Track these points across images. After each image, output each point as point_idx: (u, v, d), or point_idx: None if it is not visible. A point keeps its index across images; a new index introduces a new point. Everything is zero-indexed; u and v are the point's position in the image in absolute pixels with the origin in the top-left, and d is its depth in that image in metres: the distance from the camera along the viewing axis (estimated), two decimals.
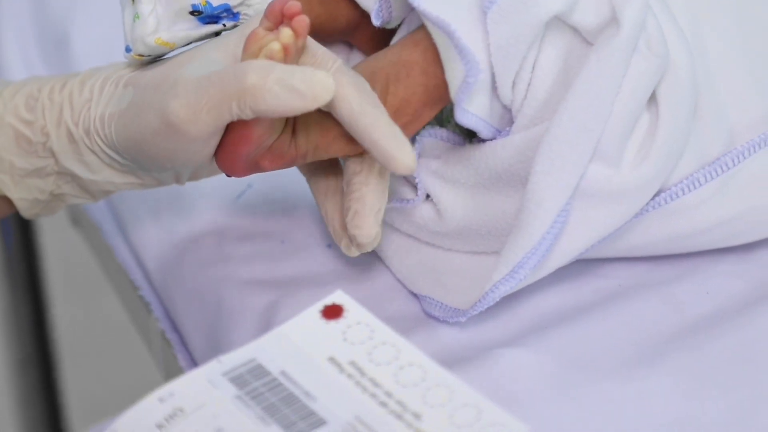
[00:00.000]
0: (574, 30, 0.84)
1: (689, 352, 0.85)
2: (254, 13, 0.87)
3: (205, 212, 1.00)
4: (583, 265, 0.91)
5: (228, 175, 0.86)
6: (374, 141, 0.81)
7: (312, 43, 0.84)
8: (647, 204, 0.86)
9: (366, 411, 0.75)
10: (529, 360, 0.85)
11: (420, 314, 0.91)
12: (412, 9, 0.87)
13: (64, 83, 0.89)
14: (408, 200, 0.90)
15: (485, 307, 0.85)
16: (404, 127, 0.84)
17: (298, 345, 0.78)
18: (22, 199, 0.91)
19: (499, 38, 0.82)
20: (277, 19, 0.81)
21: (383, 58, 0.86)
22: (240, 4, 0.87)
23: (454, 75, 0.82)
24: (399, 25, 0.90)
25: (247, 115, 0.80)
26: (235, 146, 0.83)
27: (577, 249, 0.85)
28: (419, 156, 0.90)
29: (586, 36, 0.84)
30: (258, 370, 0.76)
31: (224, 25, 0.88)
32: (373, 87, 0.83)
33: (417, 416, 0.74)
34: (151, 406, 0.73)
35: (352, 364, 0.77)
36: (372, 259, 0.95)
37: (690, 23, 0.88)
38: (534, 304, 0.90)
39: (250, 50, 0.82)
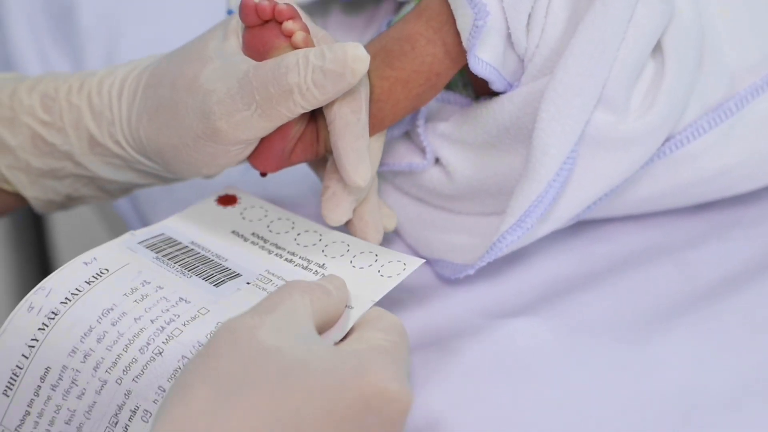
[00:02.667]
0: None
1: (701, 317, 0.85)
2: None
3: None
4: (594, 229, 0.91)
5: (262, 173, 0.86)
6: (337, 147, 0.81)
7: (312, 27, 0.84)
8: (653, 153, 0.86)
9: (275, 266, 0.82)
10: (542, 328, 0.85)
11: (434, 284, 0.91)
12: None
13: (81, 84, 0.88)
14: (417, 164, 0.91)
15: (493, 258, 0.84)
16: (419, 96, 0.84)
17: (202, 224, 0.86)
18: (37, 198, 0.91)
19: None
20: (255, 19, 0.81)
21: (386, 35, 0.86)
22: None
23: (464, 21, 0.82)
24: None
25: (298, 111, 0.80)
26: (273, 143, 0.83)
27: (585, 199, 0.85)
28: (426, 120, 0.90)
29: None
30: (170, 241, 0.84)
31: None
32: (377, 66, 0.83)
33: (321, 266, 0.83)
34: (76, 268, 0.80)
35: (254, 234, 0.86)
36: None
37: None
38: (546, 271, 0.90)
39: (271, 49, 0.81)
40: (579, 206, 0.85)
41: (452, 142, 0.89)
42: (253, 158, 0.84)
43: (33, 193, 0.90)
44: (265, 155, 0.84)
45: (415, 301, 0.89)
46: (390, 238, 0.95)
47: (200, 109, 0.81)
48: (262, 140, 0.83)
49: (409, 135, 0.92)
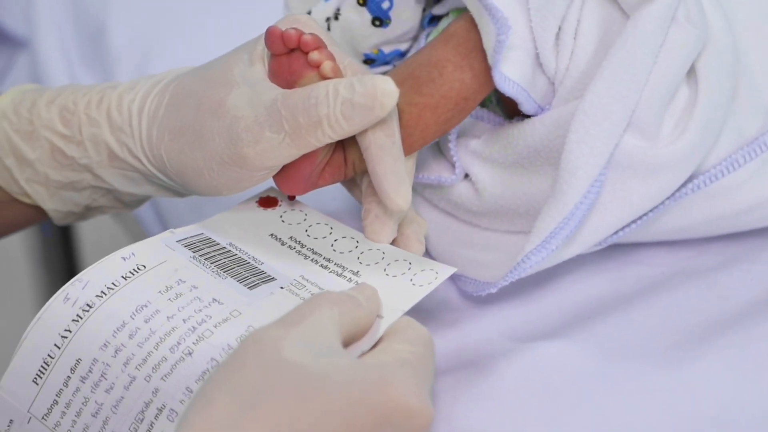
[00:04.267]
0: (613, 1, 0.84)
1: (735, 340, 0.84)
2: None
3: None
4: (625, 253, 0.91)
5: (290, 197, 0.87)
6: (376, 173, 0.82)
7: (338, 54, 0.84)
8: (686, 187, 0.86)
9: (309, 271, 0.83)
10: (573, 351, 0.84)
11: (462, 305, 0.91)
12: None
13: (101, 97, 0.87)
14: (446, 178, 0.90)
15: (516, 277, 0.84)
16: (448, 121, 0.85)
17: (241, 225, 0.86)
18: (56, 210, 0.91)
19: None
20: (281, 47, 0.82)
21: (413, 61, 0.86)
22: (411, 46, 0.90)
23: (488, 39, 0.82)
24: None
25: (326, 141, 0.80)
26: (300, 167, 0.83)
27: (612, 223, 0.84)
28: (458, 136, 0.90)
29: (624, 8, 0.83)
30: (208, 241, 0.84)
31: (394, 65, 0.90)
32: (406, 92, 0.83)
33: (355, 273, 0.82)
34: (113, 262, 0.80)
35: (292, 238, 0.85)
36: None
37: (749, 8, 0.88)
38: (576, 294, 0.89)
39: (300, 78, 0.82)
40: (606, 231, 0.85)
41: (482, 159, 0.89)
42: (280, 182, 0.84)
43: (52, 205, 0.90)
44: (294, 179, 0.84)
45: (445, 321, 0.89)
46: None
47: (227, 134, 0.81)
48: (290, 166, 0.83)
49: (440, 148, 0.92)
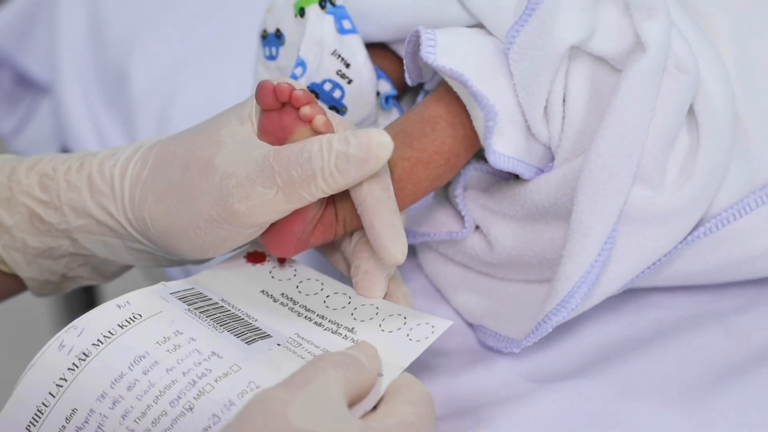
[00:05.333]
0: (598, 57, 0.84)
1: (751, 382, 0.83)
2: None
3: None
4: (643, 296, 0.90)
5: (280, 261, 0.86)
6: (373, 226, 0.81)
7: (328, 111, 0.84)
8: (697, 231, 0.85)
9: (304, 329, 0.81)
10: (590, 392, 0.83)
11: (478, 348, 0.90)
12: None
13: (81, 163, 0.86)
14: (456, 232, 0.90)
15: (538, 338, 0.84)
16: (439, 177, 0.85)
17: (231, 281, 0.84)
18: (33, 279, 0.90)
19: (521, 76, 0.83)
20: (273, 101, 0.81)
21: (406, 119, 0.86)
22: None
23: (478, 123, 0.83)
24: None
25: (319, 195, 0.79)
26: (292, 225, 0.82)
27: (627, 274, 0.84)
28: (465, 188, 0.90)
29: (612, 62, 0.83)
30: (200, 295, 0.82)
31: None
32: (398, 147, 0.82)
33: (350, 330, 0.81)
34: (109, 311, 0.78)
35: (283, 295, 0.84)
36: (432, 292, 0.95)
37: (734, 46, 0.87)
38: (594, 335, 0.89)
39: (291, 134, 0.81)
40: (622, 281, 0.84)
41: (492, 212, 0.89)
42: (271, 244, 0.83)
43: (29, 273, 0.89)
44: (285, 239, 0.82)
45: (463, 362, 0.88)
46: (437, 302, 0.94)
47: (217, 191, 0.80)
48: (281, 224, 0.82)
49: (448, 201, 0.92)
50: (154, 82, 1.18)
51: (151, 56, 1.21)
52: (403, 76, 0.89)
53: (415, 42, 0.85)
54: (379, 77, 0.91)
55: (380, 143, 0.78)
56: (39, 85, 1.29)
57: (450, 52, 0.83)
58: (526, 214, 0.87)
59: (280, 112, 0.82)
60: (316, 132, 0.81)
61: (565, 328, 0.88)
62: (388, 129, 0.86)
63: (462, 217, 0.90)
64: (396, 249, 0.80)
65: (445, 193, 0.92)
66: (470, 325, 0.91)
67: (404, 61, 0.87)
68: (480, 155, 0.87)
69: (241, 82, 1.05)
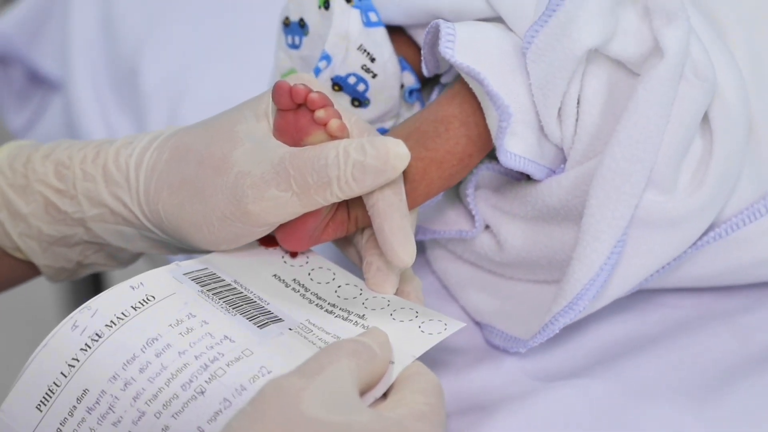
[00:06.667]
0: (616, 61, 0.84)
1: (756, 382, 0.83)
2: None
3: None
4: (648, 295, 0.90)
5: (292, 254, 0.86)
6: (383, 229, 0.81)
7: (344, 111, 0.84)
8: (707, 236, 0.85)
9: (315, 316, 0.81)
10: (598, 391, 0.83)
11: (485, 346, 0.90)
12: None
13: (97, 152, 0.86)
14: (466, 231, 0.90)
15: (545, 338, 0.84)
16: (452, 176, 0.85)
17: (244, 263, 0.84)
18: (48, 266, 0.90)
19: (538, 77, 0.83)
20: (288, 102, 0.81)
21: (419, 117, 0.86)
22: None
23: (492, 122, 0.83)
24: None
25: (334, 200, 0.80)
26: (305, 223, 0.82)
27: (636, 277, 0.84)
28: (477, 188, 0.90)
29: (629, 66, 0.84)
30: (214, 276, 0.82)
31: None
32: (412, 147, 0.82)
33: (361, 317, 0.81)
34: (123, 292, 0.78)
35: (295, 281, 0.84)
36: (440, 289, 0.95)
37: (749, 52, 0.87)
38: (600, 334, 0.89)
39: (306, 136, 0.81)
40: (630, 284, 0.85)
41: (502, 212, 0.89)
42: (283, 238, 0.83)
43: (44, 260, 0.90)
44: (297, 235, 0.83)
45: (469, 360, 0.88)
46: (445, 300, 0.94)
47: (230, 190, 0.80)
48: (294, 221, 0.82)
49: (459, 200, 0.92)
50: (165, 80, 1.19)
51: (162, 54, 1.21)
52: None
53: (434, 34, 0.85)
54: (403, 69, 0.91)
55: (397, 154, 0.78)
56: (50, 81, 1.29)
57: (468, 49, 0.83)
58: (537, 215, 0.87)
59: (296, 113, 0.82)
60: (331, 136, 0.81)
61: (572, 328, 0.88)
62: (401, 127, 0.86)
63: (472, 216, 0.90)
64: (404, 252, 0.81)
65: (455, 192, 0.93)
66: (477, 324, 0.91)
67: (422, 52, 0.87)
68: (492, 155, 0.87)
69: (252, 78, 1.05)
